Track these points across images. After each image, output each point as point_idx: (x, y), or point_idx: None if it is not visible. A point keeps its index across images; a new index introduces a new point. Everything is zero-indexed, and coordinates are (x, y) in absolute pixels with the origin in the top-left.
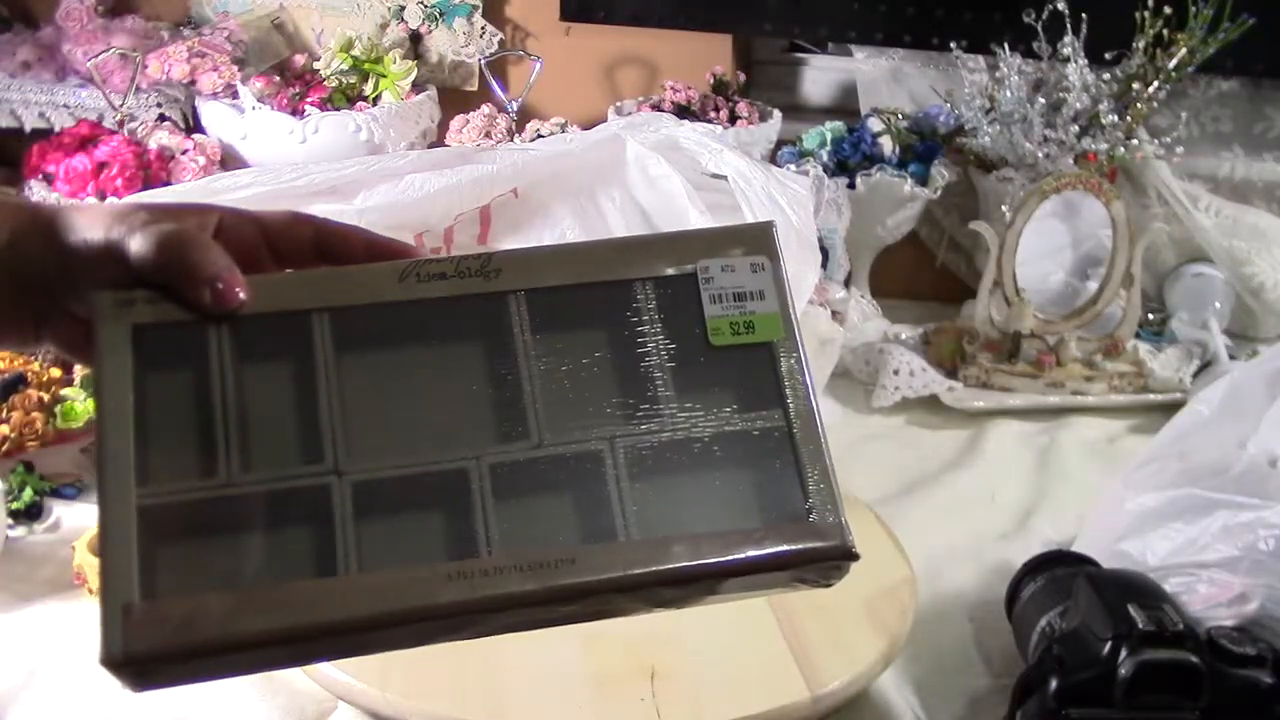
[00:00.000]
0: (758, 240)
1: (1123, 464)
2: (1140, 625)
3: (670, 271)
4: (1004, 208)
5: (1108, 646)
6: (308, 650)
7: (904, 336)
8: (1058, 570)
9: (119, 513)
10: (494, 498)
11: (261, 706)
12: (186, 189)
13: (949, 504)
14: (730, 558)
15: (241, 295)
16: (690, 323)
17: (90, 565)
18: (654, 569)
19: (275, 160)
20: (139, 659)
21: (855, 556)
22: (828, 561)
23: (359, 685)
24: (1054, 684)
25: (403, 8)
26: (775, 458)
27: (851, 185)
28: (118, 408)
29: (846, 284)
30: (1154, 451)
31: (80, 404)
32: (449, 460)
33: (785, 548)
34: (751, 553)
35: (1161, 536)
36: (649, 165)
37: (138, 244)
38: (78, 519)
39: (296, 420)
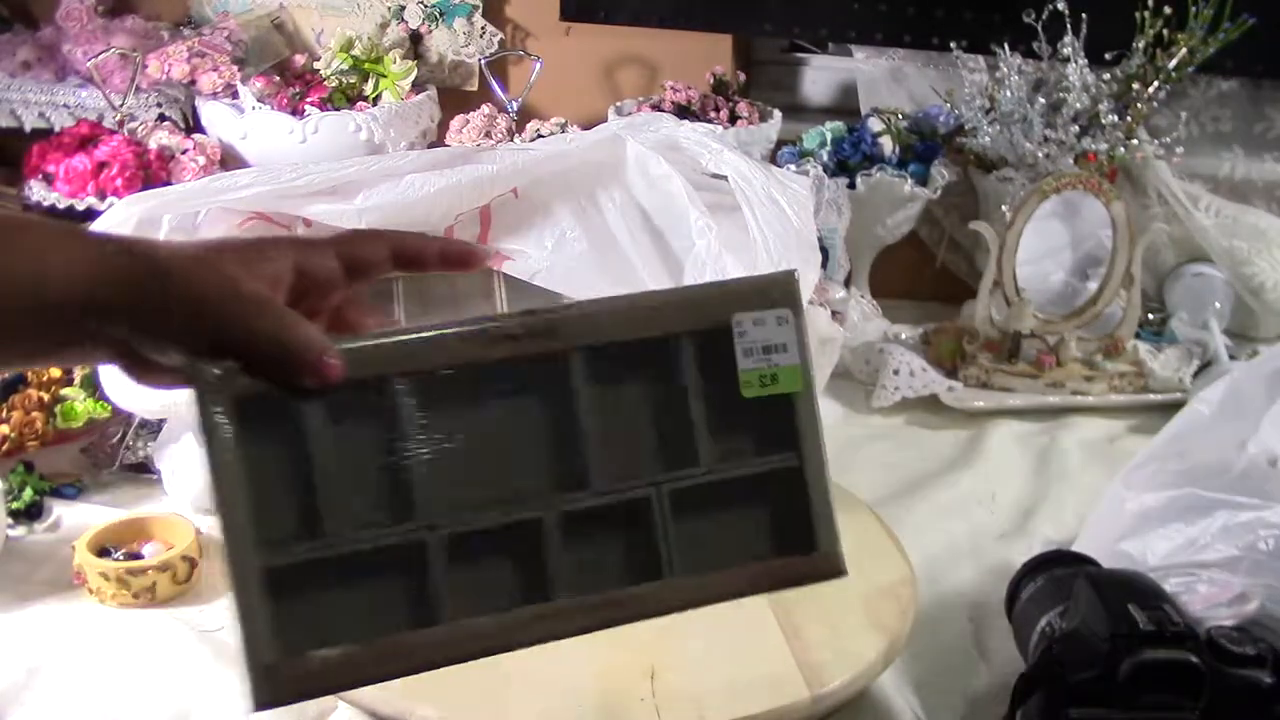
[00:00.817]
0: (783, 292)
1: (1123, 464)
2: (1140, 625)
3: (709, 326)
4: (1004, 208)
5: (1108, 646)
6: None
7: (904, 336)
8: (1058, 570)
9: (247, 579)
10: (562, 543)
11: None
12: (186, 189)
13: (949, 504)
14: (752, 585)
15: (336, 373)
16: (724, 375)
17: (90, 565)
18: (693, 600)
19: (275, 160)
20: (279, 704)
21: (844, 574)
22: (824, 580)
23: None
24: (1054, 684)
25: (403, 8)
26: (788, 496)
27: (851, 185)
28: (230, 480)
29: (846, 284)
30: (1154, 451)
31: (80, 404)
32: (524, 512)
33: (795, 573)
34: (768, 581)
35: (1161, 536)
36: (649, 165)
37: (232, 336)
38: (78, 519)
39: (388, 479)
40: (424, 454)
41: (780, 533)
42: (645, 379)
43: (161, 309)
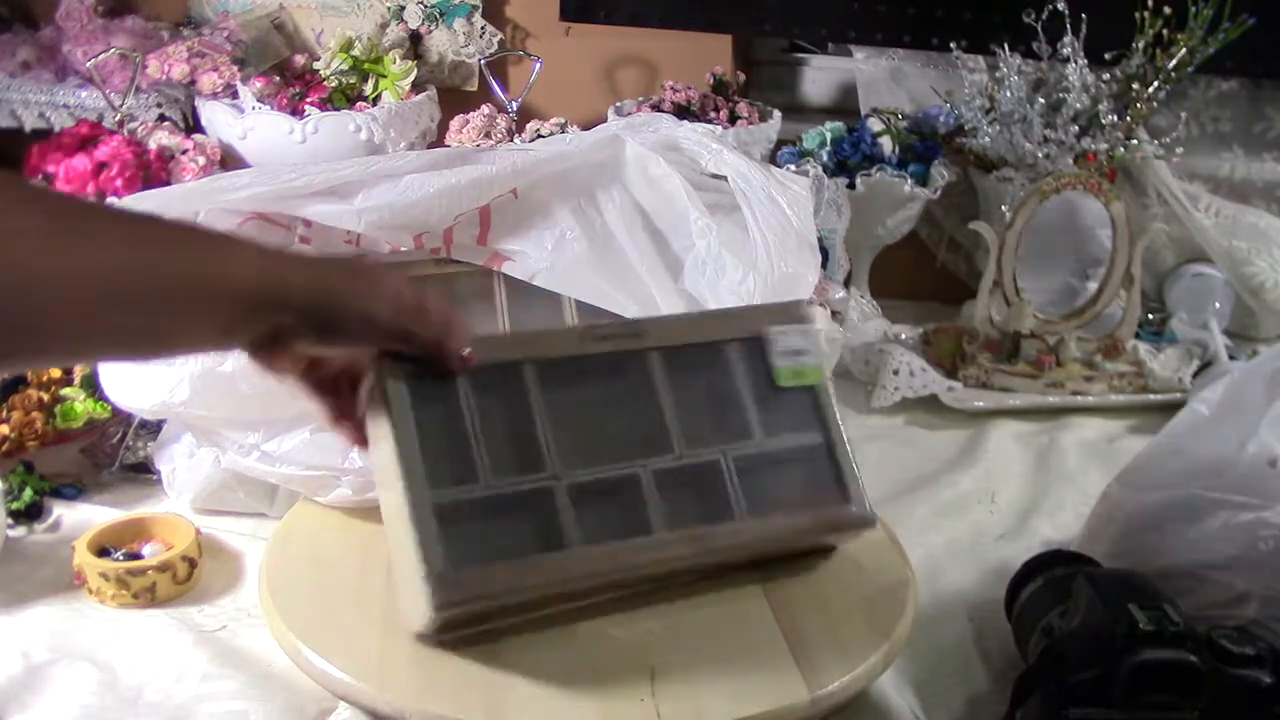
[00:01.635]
0: (801, 311)
1: (1122, 464)
2: (1140, 625)
3: (750, 335)
4: (1004, 208)
5: (1108, 646)
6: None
7: (904, 336)
8: (1058, 570)
9: (423, 510)
10: (656, 493)
11: (261, 707)
12: (186, 189)
13: (949, 504)
14: (803, 527)
15: (472, 361)
16: (764, 370)
17: (90, 565)
18: (759, 536)
19: (275, 160)
20: (450, 606)
21: (874, 524)
22: (859, 528)
23: (359, 685)
24: (1054, 684)
25: (403, 8)
26: (821, 463)
27: (851, 185)
28: (408, 438)
29: (846, 284)
30: (1153, 451)
31: (80, 404)
32: (625, 468)
33: (835, 519)
34: (814, 523)
35: (1161, 536)
36: (649, 165)
37: (411, 335)
38: (78, 519)
39: (523, 440)
40: (547, 421)
41: (821, 488)
42: (710, 372)
43: (328, 300)
